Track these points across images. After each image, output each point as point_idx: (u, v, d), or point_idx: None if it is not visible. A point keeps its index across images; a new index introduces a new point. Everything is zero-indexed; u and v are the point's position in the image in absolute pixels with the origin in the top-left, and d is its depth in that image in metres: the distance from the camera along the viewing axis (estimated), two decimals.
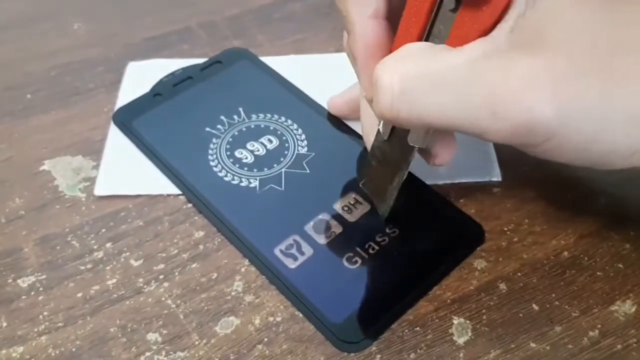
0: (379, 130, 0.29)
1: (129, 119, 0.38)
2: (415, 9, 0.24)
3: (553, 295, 0.29)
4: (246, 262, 0.31)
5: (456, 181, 0.33)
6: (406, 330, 0.28)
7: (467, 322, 0.28)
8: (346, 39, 0.28)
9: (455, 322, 0.28)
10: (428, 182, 0.33)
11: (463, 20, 0.23)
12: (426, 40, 0.24)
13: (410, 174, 0.33)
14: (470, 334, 0.28)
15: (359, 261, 0.30)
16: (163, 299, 0.30)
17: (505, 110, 0.20)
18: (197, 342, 0.28)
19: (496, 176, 0.34)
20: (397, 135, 0.28)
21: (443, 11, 0.24)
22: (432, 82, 0.22)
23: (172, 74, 0.40)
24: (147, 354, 0.28)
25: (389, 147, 0.29)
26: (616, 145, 0.22)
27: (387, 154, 0.29)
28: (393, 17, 0.26)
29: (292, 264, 0.30)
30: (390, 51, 0.25)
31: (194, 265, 0.31)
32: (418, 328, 0.28)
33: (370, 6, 0.26)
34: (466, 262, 0.30)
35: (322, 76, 0.40)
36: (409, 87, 0.22)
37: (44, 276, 0.31)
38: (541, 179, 0.33)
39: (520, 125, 0.21)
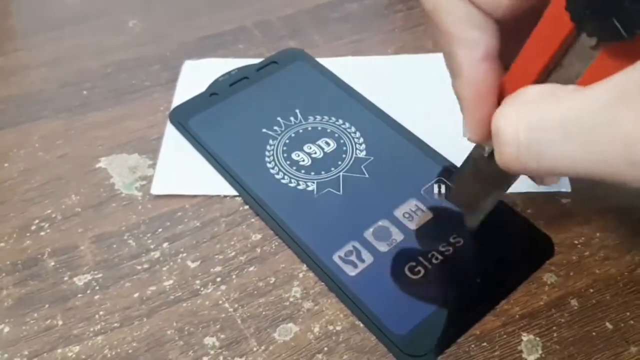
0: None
1: (186, 118, 0.37)
2: (540, 46, 0.21)
3: (628, 313, 0.28)
4: (304, 267, 0.30)
5: (523, 191, 0.32)
6: (472, 346, 0.27)
7: (537, 339, 0.27)
8: (451, 78, 0.25)
9: (524, 338, 0.27)
10: None
11: (604, 58, 0.19)
12: (547, 78, 0.22)
13: None
14: (540, 352, 0.27)
15: (422, 271, 0.29)
16: (220, 302, 0.29)
17: None
18: (255, 349, 0.27)
19: (565, 187, 0.32)
20: None
21: (577, 48, 0.21)
22: (562, 131, 0.19)
23: (228, 73, 0.40)
24: (205, 358, 0.27)
25: (489, 164, 0.25)
26: None
27: (484, 170, 0.26)
28: (504, 53, 0.24)
29: (351, 271, 0.29)
30: (503, 90, 0.23)
31: (251, 269, 0.30)
32: (485, 344, 0.27)
33: (480, 48, 0.23)
34: (535, 276, 0.29)
35: (380, 78, 0.39)
36: (537, 138, 0.19)
37: (100, 275, 0.30)
38: (613, 190, 0.32)
39: None
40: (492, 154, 0.24)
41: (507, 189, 0.27)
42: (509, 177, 0.25)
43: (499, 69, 0.23)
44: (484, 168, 0.26)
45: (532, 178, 0.26)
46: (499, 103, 0.22)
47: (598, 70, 0.19)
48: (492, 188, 0.27)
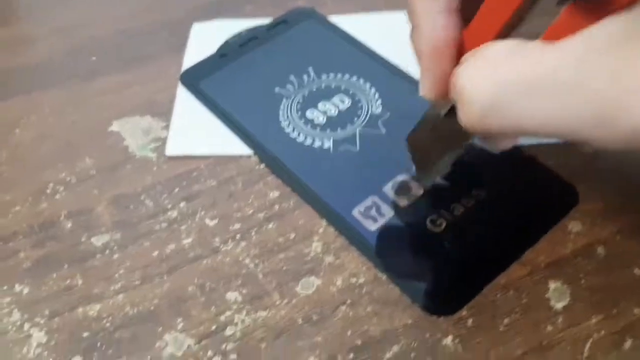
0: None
1: (197, 80, 0.37)
2: (502, 1, 0.20)
3: None
4: (324, 222, 0.30)
5: (544, 141, 0.31)
6: (498, 295, 0.27)
7: (565, 286, 0.27)
8: (410, 29, 0.24)
9: (551, 286, 0.27)
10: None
11: (569, 15, 0.19)
12: (509, 34, 0.21)
13: None
14: (568, 298, 0.26)
15: (444, 223, 0.29)
16: (241, 258, 0.29)
17: (614, 118, 0.17)
18: (277, 302, 0.27)
19: None
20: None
21: (541, 3, 0.20)
22: (528, 90, 0.18)
23: (238, 34, 0.39)
24: (228, 313, 0.27)
25: (446, 123, 0.25)
26: None
27: (441, 129, 0.26)
28: (466, 8, 0.23)
29: (372, 226, 0.29)
30: (463, 46, 0.22)
31: (270, 226, 0.30)
32: (512, 292, 0.27)
33: (440, 0, 0.22)
34: (560, 224, 0.28)
35: (392, 34, 0.38)
36: (501, 98, 0.19)
37: (118, 235, 0.30)
38: None
39: (633, 136, 0.17)
40: (449, 112, 0.24)
41: (463, 149, 0.26)
42: (467, 137, 0.24)
43: (459, 23, 0.23)
44: (440, 127, 0.25)
45: (486, 142, 0.25)
46: (458, 59, 0.22)
47: (562, 27, 0.19)
48: (448, 147, 0.26)
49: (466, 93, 0.20)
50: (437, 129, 0.26)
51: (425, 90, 0.24)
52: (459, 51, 0.22)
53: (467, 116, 0.20)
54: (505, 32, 0.21)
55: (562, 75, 0.17)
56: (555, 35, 0.18)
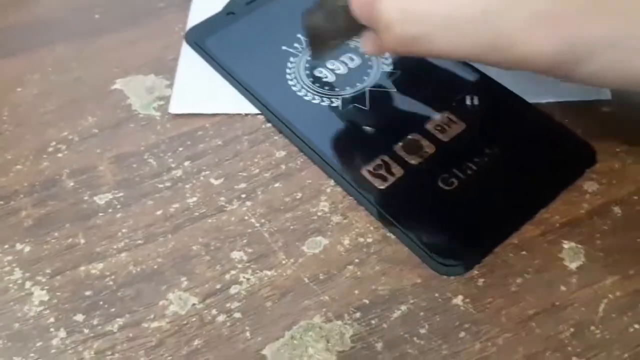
0: None
1: (202, 38, 0.36)
2: None
3: None
4: (331, 182, 0.29)
5: (561, 100, 0.30)
6: (511, 254, 0.26)
7: (579, 246, 0.26)
8: None
9: (565, 246, 0.26)
10: (530, 101, 0.30)
11: None
12: None
13: (511, 93, 0.30)
14: (583, 259, 0.25)
15: (455, 182, 0.28)
16: (246, 217, 0.28)
17: (508, 48, 0.21)
18: (284, 261, 0.26)
19: (604, 94, 0.30)
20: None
21: None
22: (441, 23, 0.22)
23: None
24: (233, 272, 0.26)
25: (342, 13, 0.26)
26: None
27: (336, 14, 0.27)
28: None
29: (381, 185, 0.28)
30: None
31: (276, 185, 0.29)
32: (524, 252, 0.26)
33: None
34: (575, 184, 0.28)
35: None
36: (419, 30, 0.22)
37: (121, 194, 0.29)
38: None
39: (524, 62, 0.22)
40: (347, 7, 0.25)
41: (355, 36, 0.28)
42: (359, 29, 0.27)
43: None
44: (336, 14, 0.27)
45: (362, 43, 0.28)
46: None
47: None
48: (340, 33, 0.28)
49: (390, 23, 0.23)
50: (333, 15, 0.28)
51: None
52: None
53: (393, 44, 0.24)
54: None
55: (467, 12, 0.21)
56: None
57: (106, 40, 0.37)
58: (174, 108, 0.32)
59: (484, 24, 0.22)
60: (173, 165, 0.30)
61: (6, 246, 0.28)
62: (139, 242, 0.27)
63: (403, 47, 0.24)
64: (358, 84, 0.32)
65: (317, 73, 0.33)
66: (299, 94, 0.32)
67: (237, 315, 0.25)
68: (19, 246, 0.28)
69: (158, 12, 0.38)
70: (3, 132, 0.32)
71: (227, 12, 0.37)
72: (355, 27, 0.26)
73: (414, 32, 0.23)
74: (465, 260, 0.26)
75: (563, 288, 0.25)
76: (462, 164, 0.28)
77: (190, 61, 0.35)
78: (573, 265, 0.25)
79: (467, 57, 0.23)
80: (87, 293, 0.26)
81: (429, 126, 0.30)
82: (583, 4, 0.21)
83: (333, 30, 0.28)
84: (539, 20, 0.21)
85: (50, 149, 0.31)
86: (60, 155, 0.31)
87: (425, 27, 0.22)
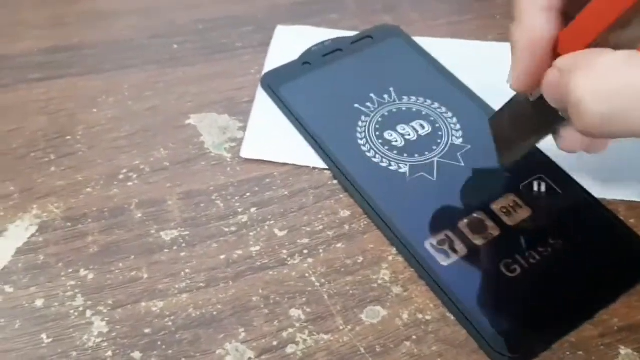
0: None
1: (277, 85, 0.36)
2: (608, 3, 0.21)
3: None
4: (393, 250, 0.29)
5: (627, 200, 0.31)
6: (567, 353, 0.26)
7: (636, 354, 0.26)
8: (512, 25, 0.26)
9: (622, 352, 0.26)
10: (596, 195, 0.31)
11: None
12: (608, 37, 0.22)
13: (579, 185, 0.31)
14: None
15: (519, 269, 0.28)
16: (307, 275, 0.28)
17: None
18: (341, 327, 0.27)
19: None
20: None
21: None
22: (637, 96, 0.20)
23: (322, 43, 0.39)
24: (290, 330, 0.26)
25: (533, 107, 0.26)
26: None
27: (527, 112, 0.27)
28: (569, 9, 0.24)
29: (444, 261, 0.28)
30: (560, 45, 0.23)
31: (339, 245, 0.29)
32: (581, 352, 0.26)
33: None
34: (636, 288, 0.28)
35: (478, 64, 0.38)
36: (618, 107, 0.21)
37: (187, 232, 0.30)
38: None
39: None
40: (538, 99, 0.25)
41: (547, 135, 0.27)
42: (552, 124, 0.26)
43: (559, 22, 0.24)
44: (527, 109, 0.27)
45: (556, 139, 0.27)
46: (552, 59, 0.23)
47: None
48: (532, 132, 0.27)
49: (583, 102, 0.21)
50: (524, 113, 0.27)
51: (515, 81, 0.26)
52: (554, 51, 0.24)
53: (585, 124, 0.21)
54: (603, 38, 0.22)
55: None
56: None
57: (182, 72, 0.38)
58: (246, 152, 0.33)
59: None
60: (240, 210, 0.31)
61: (70, 270, 0.28)
62: (201, 285, 0.28)
63: (596, 128, 0.21)
64: (427, 153, 0.33)
65: (387, 136, 0.34)
66: (368, 154, 0.33)
67: None
68: (83, 272, 0.28)
69: (235, 51, 0.39)
70: (76, 152, 0.33)
71: (303, 62, 0.38)
72: (546, 123, 0.26)
73: (606, 109, 0.21)
74: (524, 352, 0.26)
75: None
76: (526, 251, 0.29)
77: (264, 106, 0.35)
78: None
79: None
80: (146, 331, 0.26)
81: (494, 207, 0.30)
82: None
83: (523, 131, 0.28)
84: None
85: (121, 176, 0.32)
86: (130, 184, 0.32)
87: (621, 103, 0.20)
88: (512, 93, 0.29)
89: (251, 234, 0.30)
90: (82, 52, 0.39)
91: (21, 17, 0.42)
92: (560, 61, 0.23)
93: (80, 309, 0.27)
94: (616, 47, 0.21)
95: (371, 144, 0.33)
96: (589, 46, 0.22)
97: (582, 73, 0.21)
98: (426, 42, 0.39)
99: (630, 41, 0.21)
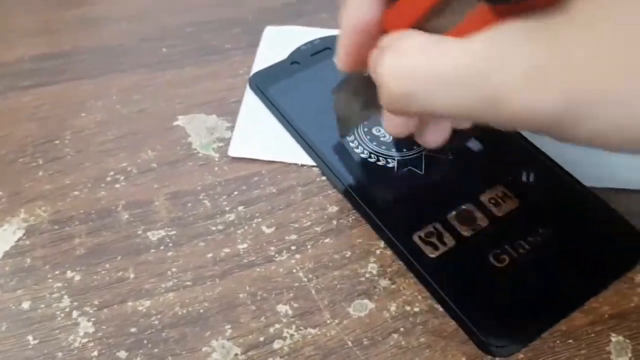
0: None
1: (266, 85, 0.36)
2: None
3: None
4: (381, 244, 0.29)
5: (619, 187, 0.30)
6: (558, 341, 0.26)
7: (627, 341, 0.25)
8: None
9: (613, 339, 0.26)
10: (586, 184, 0.30)
11: (484, 10, 0.20)
12: (430, 19, 0.23)
13: (567, 174, 0.30)
14: (630, 354, 0.25)
15: (507, 259, 0.28)
16: (294, 270, 0.28)
17: (499, 105, 0.20)
18: (328, 321, 0.26)
19: None
20: None
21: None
22: (436, 81, 0.21)
23: (311, 42, 0.39)
24: (277, 325, 0.26)
25: (367, 82, 0.26)
26: None
27: (363, 87, 0.27)
28: None
29: (432, 253, 0.28)
30: (385, 25, 0.24)
31: (327, 240, 0.29)
32: (571, 341, 0.26)
33: None
34: (627, 276, 0.27)
35: None
36: (415, 86, 0.22)
37: (174, 232, 0.30)
38: None
39: (522, 119, 0.20)
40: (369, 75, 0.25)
41: (380, 110, 0.27)
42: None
43: (384, 4, 0.24)
44: (363, 86, 0.27)
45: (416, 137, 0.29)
46: (377, 37, 0.24)
47: (476, 21, 0.20)
48: (368, 106, 0.28)
49: (385, 80, 0.22)
50: (361, 87, 0.28)
51: (341, 63, 0.27)
52: (379, 30, 0.24)
53: (385, 99, 0.23)
54: (425, 19, 0.23)
55: (461, 70, 0.20)
56: (467, 28, 0.20)
57: (171, 75, 0.38)
58: (233, 151, 0.33)
59: (478, 79, 0.20)
60: (227, 209, 0.31)
61: (57, 272, 0.28)
62: (187, 283, 0.28)
63: (397, 104, 0.22)
64: (415, 147, 0.33)
65: (375, 131, 0.34)
66: (356, 150, 0.33)
67: None
68: (69, 274, 0.28)
69: (224, 53, 0.39)
70: (64, 157, 0.33)
71: (292, 62, 0.38)
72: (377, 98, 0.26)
73: (406, 87, 0.22)
74: (513, 342, 0.25)
75: None
76: (515, 241, 0.28)
77: (252, 106, 0.35)
78: None
79: (463, 115, 0.22)
80: (132, 330, 0.26)
81: (483, 198, 0.30)
82: (583, 57, 0.19)
83: (360, 104, 0.29)
84: (537, 75, 0.19)
85: (108, 179, 0.32)
86: (117, 185, 0.32)
87: (420, 83, 0.21)
88: None
89: (239, 231, 0.30)
90: (72, 58, 0.39)
91: (12, 24, 0.42)
92: (382, 40, 0.23)
93: (67, 310, 0.27)
94: (432, 32, 0.22)
95: (359, 140, 0.33)
96: (410, 28, 0.23)
97: (390, 52, 0.22)
98: None
99: (443, 27, 0.22)
